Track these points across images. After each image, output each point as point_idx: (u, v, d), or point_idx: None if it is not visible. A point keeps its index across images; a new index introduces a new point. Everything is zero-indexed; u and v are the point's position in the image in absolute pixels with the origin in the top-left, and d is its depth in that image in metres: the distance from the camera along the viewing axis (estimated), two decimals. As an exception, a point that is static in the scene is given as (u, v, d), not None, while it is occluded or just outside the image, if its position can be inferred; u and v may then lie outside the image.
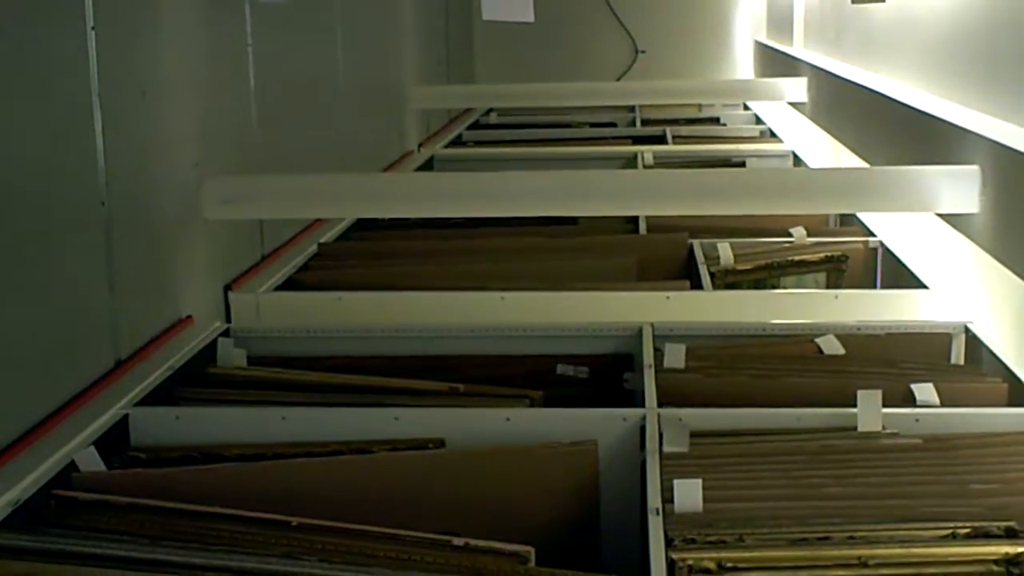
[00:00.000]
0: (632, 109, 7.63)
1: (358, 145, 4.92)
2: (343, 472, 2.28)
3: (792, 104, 6.13)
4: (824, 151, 4.95)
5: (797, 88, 5.90)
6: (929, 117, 3.41)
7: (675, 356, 2.71)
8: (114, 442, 2.39)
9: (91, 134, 2.55)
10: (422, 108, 6.13)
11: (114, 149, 2.61)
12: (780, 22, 7.11)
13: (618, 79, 8.40)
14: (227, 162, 3.41)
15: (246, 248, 3.57)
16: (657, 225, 4.11)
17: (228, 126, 3.46)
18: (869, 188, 3.25)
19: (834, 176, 3.70)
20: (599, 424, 2.40)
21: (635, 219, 4.19)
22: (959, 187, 2.98)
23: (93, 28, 2.55)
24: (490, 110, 7.85)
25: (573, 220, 4.28)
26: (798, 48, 6.36)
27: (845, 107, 4.83)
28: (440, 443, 2.39)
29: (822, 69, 5.43)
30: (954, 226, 3.13)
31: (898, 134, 3.84)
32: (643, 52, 8.55)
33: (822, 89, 5.48)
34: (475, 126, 7.24)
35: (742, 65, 8.45)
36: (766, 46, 7.62)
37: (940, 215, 3.19)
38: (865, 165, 4.20)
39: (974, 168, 2.97)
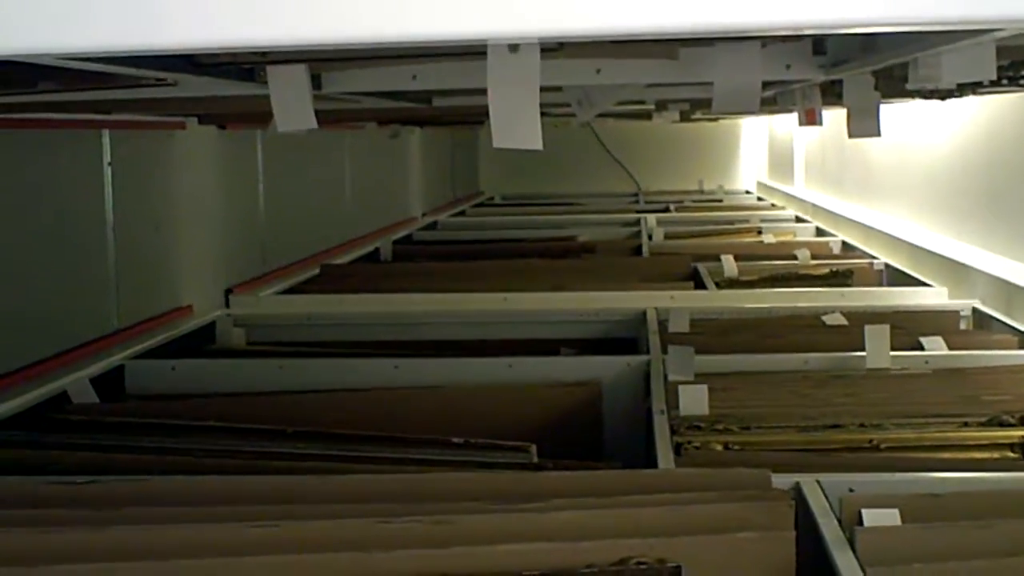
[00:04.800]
0: (636, 196, 7.68)
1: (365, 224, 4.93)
2: (341, 407, 2.23)
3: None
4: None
5: (802, 228, 5.87)
6: (927, 252, 3.44)
7: (679, 322, 2.67)
8: (109, 392, 2.35)
9: (104, 265, 2.60)
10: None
11: (127, 279, 2.66)
12: (782, 164, 7.16)
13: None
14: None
15: (248, 265, 3.56)
16: (660, 251, 4.10)
17: (239, 257, 3.47)
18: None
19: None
20: (603, 369, 2.36)
21: (639, 247, 4.19)
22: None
23: (110, 164, 2.61)
24: (493, 196, 7.90)
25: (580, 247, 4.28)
26: (799, 187, 6.41)
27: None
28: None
29: (824, 208, 5.46)
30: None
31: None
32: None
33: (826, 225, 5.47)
34: (480, 205, 7.28)
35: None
36: (769, 187, 7.69)
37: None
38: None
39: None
